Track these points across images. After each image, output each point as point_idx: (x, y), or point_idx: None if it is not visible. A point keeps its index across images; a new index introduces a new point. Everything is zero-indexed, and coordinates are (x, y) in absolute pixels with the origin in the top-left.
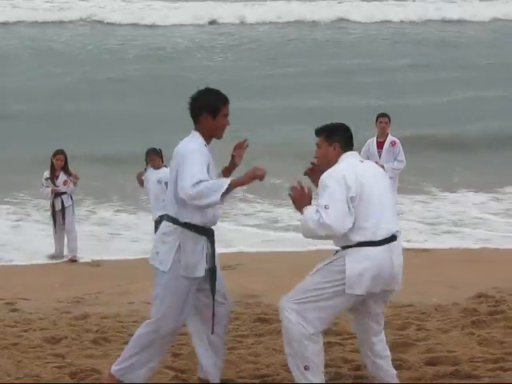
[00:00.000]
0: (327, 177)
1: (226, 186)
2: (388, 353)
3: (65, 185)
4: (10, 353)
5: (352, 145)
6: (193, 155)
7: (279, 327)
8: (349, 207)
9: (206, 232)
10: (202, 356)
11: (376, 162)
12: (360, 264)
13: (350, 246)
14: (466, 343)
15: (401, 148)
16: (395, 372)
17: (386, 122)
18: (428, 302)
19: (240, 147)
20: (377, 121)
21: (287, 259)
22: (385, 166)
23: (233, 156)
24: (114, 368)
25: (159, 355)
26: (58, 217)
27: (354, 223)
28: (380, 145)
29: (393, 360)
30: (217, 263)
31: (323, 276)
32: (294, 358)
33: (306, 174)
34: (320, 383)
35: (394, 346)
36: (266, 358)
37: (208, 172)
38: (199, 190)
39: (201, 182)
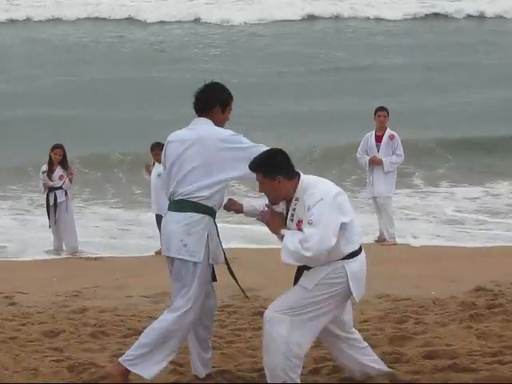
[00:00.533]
0: (321, 201)
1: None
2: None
3: (60, 179)
4: (8, 347)
5: (292, 165)
6: (239, 137)
7: None
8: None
9: (215, 218)
10: (191, 351)
11: (374, 156)
12: (358, 270)
13: (343, 258)
14: (464, 337)
15: (399, 142)
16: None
17: (385, 116)
18: (426, 295)
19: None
20: (375, 114)
21: None
22: (383, 159)
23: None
24: (123, 358)
25: (176, 350)
26: (52, 212)
27: (346, 235)
28: (379, 138)
29: (391, 353)
30: None
31: (322, 289)
32: (275, 371)
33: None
34: None
35: (392, 340)
36: None
37: None
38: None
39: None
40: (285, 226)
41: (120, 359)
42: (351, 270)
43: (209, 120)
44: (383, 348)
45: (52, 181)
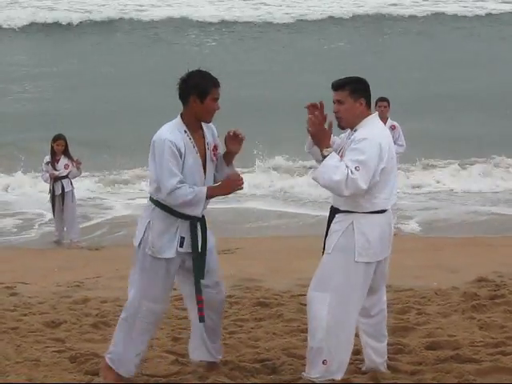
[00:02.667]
0: (364, 140)
1: (204, 200)
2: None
3: (66, 168)
4: (9, 337)
5: (370, 103)
6: (162, 152)
7: (279, 311)
8: (374, 176)
9: (187, 216)
10: (192, 333)
11: None
12: (368, 231)
13: (358, 212)
14: (467, 327)
15: (401, 132)
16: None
17: (385, 106)
18: (428, 286)
19: (232, 139)
20: (376, 105)
21: (286, 243)
22: None
23: (226, 143)
24: (107, 356)
25: (145, 341)
26: (58, 202)
27: (370, 191)
28: None
29: (393, 344)
30: (211, 250)
31: (338, 260)
32: (315, 351)
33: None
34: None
35: (394, 330)
36: (266, 343)
37: (180, 163)
38: (179, 203)
39: (176, 189)
40: (330, 144)
41: (107, 360)
42: (360, 226)
43: (177, 118)
44: None
45: (57, 170)
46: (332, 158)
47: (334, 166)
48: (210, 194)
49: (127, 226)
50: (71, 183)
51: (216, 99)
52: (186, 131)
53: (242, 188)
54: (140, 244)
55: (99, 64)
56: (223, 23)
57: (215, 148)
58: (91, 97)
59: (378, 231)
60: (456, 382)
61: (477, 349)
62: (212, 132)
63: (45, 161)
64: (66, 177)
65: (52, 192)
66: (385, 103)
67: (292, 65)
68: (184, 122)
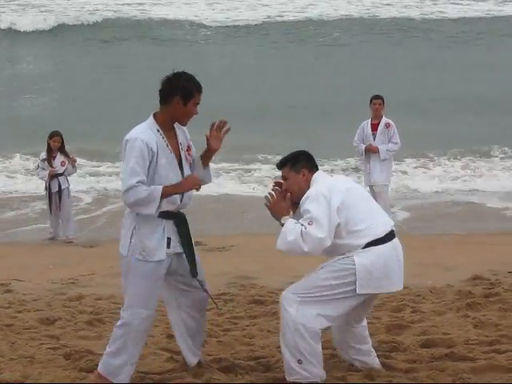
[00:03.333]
0: (307, 198)
1: (159, 198)
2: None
3: (62, 165)
4: (4, 334)
5: (316, 164)
6: (133, 147)
7: (274, 309)
8: (331, 222)
9: (170, 216)
10: (178, 341)
11: (370, 144)
12: (370, 262)
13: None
14: (461, 325)
15: (395, 130)
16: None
17: (380, 104)
18: (423, 284)
19: (216, 129)
20: (371, 103)
21: None
22: (379, 147)
23: (207, 139)
24: (101, 367)
25: (139, 349)
26: (54, 199)
27: (349, 230)
28: (374, 127)
29: (388, 342)
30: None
31: (333, 277)
32: (288, 349)
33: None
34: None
35: (389, 328)
36: (260, 340)
37: (153, 163)
38: (131, 201)
39: (133, 187)
40: (289, 213)
41: (100, 370)
42: (360, 261)
43: (150, 118)
44: (380, 337)
45: (53, 167)
46: (287, 224)
47: (288, 229)
48: (165, 192)
49: None
50: (67, 180)
51: (197, 104)
52: (158, 130)
53: (198, 189)
54: (128, 251)
55: None
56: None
57: (189, 148)
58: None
59: (382, 262)
60: (450, 380)
61: (471, 347)
62: (184, 133)
63: (40, 158)
64: (62, 174)
65: (48, 189)
66: (379, 101)
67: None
68: (157, 122)
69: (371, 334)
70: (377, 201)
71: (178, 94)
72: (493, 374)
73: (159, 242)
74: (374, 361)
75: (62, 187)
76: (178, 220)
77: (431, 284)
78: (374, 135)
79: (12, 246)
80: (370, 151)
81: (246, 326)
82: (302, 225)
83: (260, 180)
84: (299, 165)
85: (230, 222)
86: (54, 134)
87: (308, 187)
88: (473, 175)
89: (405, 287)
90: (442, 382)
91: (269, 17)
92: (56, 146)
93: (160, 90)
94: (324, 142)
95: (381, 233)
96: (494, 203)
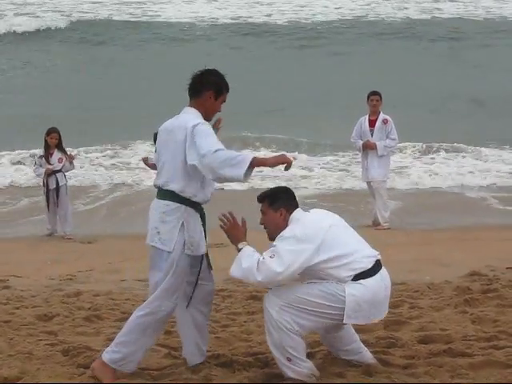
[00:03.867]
0: (279, 238)
1: (249, 161)
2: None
3: (60, 162)
4: (1, 330)
5: (296, 202)
6: (205, 126)
7: None
8: (294, 264)
9: (200, 210)
10: (185, 341)
11: (368, 140)
12: (360, 295)
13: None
14: (459, 321)
15: (393, 126)
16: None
17: (378, 100)
18: (421, 280)
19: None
20: (368, 99)
21: None
22: (377, 143)
23: None
24: (106, 356)
25: (154, 339)
26: (52, 195)
27: (336, 265)
28: (372, 123)
29: (386, 338)
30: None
31: (323, 297)
32: (276, 348)
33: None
34: (305, 371)
35: (387, 324)
36: (258, 336)
37: None
38: (222, 159)
39: (222, 149)
40: (245, 238)
41: (106, 360)
42: (350, 292)
43: (193, 109)
44: (378, 332)
45: (51, 164)
46: (244, 250)
47: (244, 256)
48: (255, 161)
49: None
50: (65, 177)
51: (224, 102)
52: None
53: (289, 166)
54: (174, 247)
55: None
56: None
57: None
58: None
59: (371, 295)
60: (448, 376)
61: (469, 343)
62: None
63: (38, 154)
64: (60, 171)
65: (46, 186)
66: (377, 97)
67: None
68: (201, 114)
69: (369, 330)
70: (374, 197)
71: (212, 89)
72: (491, 369)
73: (202, 236)
74: (366, 356)
75: (60, 184)
76: (203, 215)
77: (429, 280)
78: (372, 131)
79: (10, 242)
80: (368, 147)
81: (244, 321)
82: (262, 256)
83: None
84: (277, 203)
85: None
86: (52, 131)
87: (286, 225)
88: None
89: (403, 283)
90: (440, 377)
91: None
92: (53, 142)
93: (191, 84)
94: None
95: (368, 264)
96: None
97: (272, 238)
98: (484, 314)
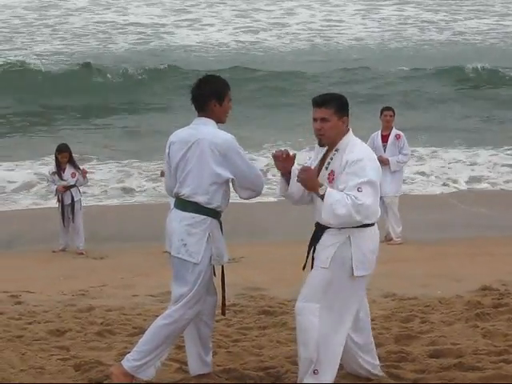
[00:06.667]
0: (361, 161)
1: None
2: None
3: (73, 177)
4: (14, 345)
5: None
6: (238, 147)
7: (283, 320)
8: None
9: (220, 219)
10: (188, 350)
11: (380, 156)
12: (364, 245)
13: (353, 227)
14: (470, 336)
15: (405, 141)
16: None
17: (391, 116)
18: (432, 294)
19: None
20: (381, 114)
21: (290, 251)
22: (390, 159)
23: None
24: (127, 364)
25: (170, 347)
26: (67, 211)
27: None
28: (384, 138)
29: (396, 352)
30: None
31: (334, 274)
32: (308, 361)
33: (298, 180)
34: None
35: (398, 339)
36: (270, 351)
37: None
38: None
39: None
40: (318, 181)
41: (127, 367)
42: (356, 240)
43: (208, 119)
44: (389, 347)
45: (64, 180)
46: (330, 196)
47: (336, 202)
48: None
49: None
50: (79, 191)
51: (230, 100)
52: None
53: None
54: (202, 258)
55: None
56: None
57: None
58: None
59: (373, 244)
60: None
61: (480, 357)
62: None
63: (50, 171)
64: (74, 185)
65: (61, 201)
66: (390, 112)
67: None
68: (215, 122)
69: (380, 345)
70: (387, 212)
71: (213, 98)
72: (501, 383)
73: (224, 245)
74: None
75: (75, 199)
76: (220, 222)
77: (440, 294)
78: (385, 147)
79: (22, 257)
80: (381, 163)
81: (256, 336)
82: (349, 195)
83: None
84: (343, 111)
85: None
86: (62, 150)
87: (341, 138)
88: None
89: (414, 298)
90: None
91: None
92: (64, 160)
93: (192, 100)
94: None
95: (377, 219)
96: None
97: (326, 144)
98: (495, 329)
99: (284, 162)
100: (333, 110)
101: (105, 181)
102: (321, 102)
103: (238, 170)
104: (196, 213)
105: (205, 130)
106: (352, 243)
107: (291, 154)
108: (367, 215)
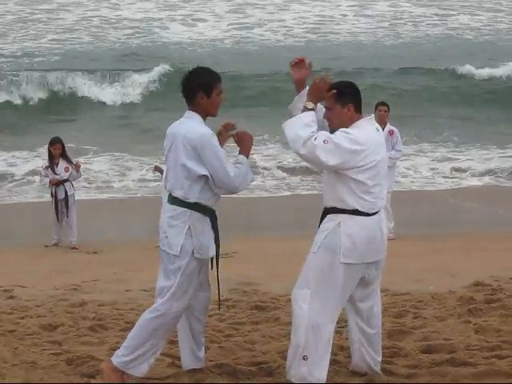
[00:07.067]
0: (344, 132)
1: (248, 163)
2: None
3: (66, 171)
4: (6, 340)
5: (361, 106)
6: (213, 143)
7: (276, 315)
8: (344, 161)
9: (210, 212)
10: (181, 344)
11: None
12: (355, 233)
13: (344, 211)
14: (463, 331)
15: (399, 137)
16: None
17: (385, 111)
18: (425, 290)
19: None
20: (376, 109)
21: (283, 246)
22: None
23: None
24: (116, 360)
25: (163, 342)
26: (61, 205)
27: (357, 190)
28: None
29: (389, 347)
30: None
31: (322, 259)
32: (296, 347)
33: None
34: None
35: (390, 334)
36: (262, 346)
37: None
38: (241, 185)
39: (235, 176)
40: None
41: (116, 363)
42: (346, 228)
43: (194, 113)
44: (382, 342)
45: (57, 174)
46: (307, 116)
47: (304, 123)
48: (246, 153)
49: None
50: (72, 186)
51: (220, 93)
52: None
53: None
54: (181, 250)
55: None
56: None
57: None
58: None
59: (365, 234)
60: None
61: (472, 352)
62: None
63: (43, 165)
64: (67, 180)
65: (55, 196)
66: (385, 107)
67: None
68: (202, 115)
69: None
70: None
71: (200, 90)
72: (494, 379)
73: (211, 239)
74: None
75: (69, 193)
76: (215, 216)
77: (433, 290)
78: None
79: (15, 252)
80: None
81: (248, 331)
82: (317, 134)
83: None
84: (346, 98)
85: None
86: (55, 141)
87: (350, 125)
88: None
89: (406, 293)
90: None
91: None
92: (57, 152)
93: (182, 91)
94: None
95: (373, 211)
96: None
97: (334, 130)
98: (487, 324)
99: (298, 67)
100: (334, 98)
101: (99, 173)
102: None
103: (210, 167)
104: (178, 205)
105: (186, 124)
106: (342, 230)
107: (307, 60)
108: (311, 161)
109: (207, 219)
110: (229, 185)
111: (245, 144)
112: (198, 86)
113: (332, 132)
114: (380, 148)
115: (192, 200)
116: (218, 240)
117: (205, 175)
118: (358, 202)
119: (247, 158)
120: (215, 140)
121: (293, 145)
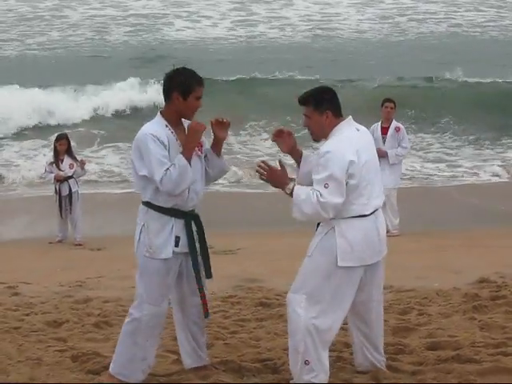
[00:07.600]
0: (327, 154)
1: (187, 165)
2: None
3: (71, 168)
4: (11, 336)
5: (340, 108)
6: (147, 144)
7: (281, 311)
8: (346, 184)
9: (180, 214)
10: (181, 343)
11: (379, 148)
12: (350, 235)
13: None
14: (468, 328)
15: (405, 134)
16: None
17: (392, 108)
18: (430, 286)
19: (218, 125)
20: (382, 106)
21: (287, 242)
22: (388, 152)
23: (214, 133)
24: (111, 367)
25: (151, 346)
26: (65, 202)
27: (349, 197)
28: (384, 130)
29: (394, 344)
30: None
31: (318, 262)
32: (295, 352)
33: (273, 140)
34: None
35: (395, 331)
36: (267, 342)
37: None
38: (170, 187)
39: (163, 176)
40: (288, 181)
41: (111, 369)
42: (341, 230)
43: (158, 117)
44: (387, 339)
45: (62, 170)
46: (297, 195)
47: (302, 201)
48: (186, 155)
49: None
50: (77, 183)
51: (199, 98)
52: (166, 125)
53: (204, 128)
54: (137, 248)
55: None
56: None
57: (199, 144)
58: None
59: (362, 235)
60: (456, 383)
61: (477, 349)
62: None
63: (48, 161)
64: (72, 177)
65: (59, 193)
66: (391, 104)
67: None
68: (164, 118)
69: None
70: (385, 204)
71: (177, 90)
72: (499, 376)
73: (166, 240)
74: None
75: (73, 190)
76: (189, 219)
77: (438, 287)
78: (384, 139)
79: (19, 248)
80: (379, 155)
81: (253, 328)
82: (315, 191)
83: None
84: (323, 106)
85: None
86: (61, 137)
87: (332, 128)
88: None
89: (411, 290)
90: None
91: None
92: (63, 148)
93: (163, 88)
94: None
95: (367, 211)
96: None
97: (316, 139)
98: (492, 321)
99: (282, 138)
100: (311, 107)
101: (104, 169)
102: (301, 100)
103: (146, 167)
104: (141, 204)
105: (146, 124)
106: (337, 233)
107: (285, 129)
108: (336, 212)
109: (170, 220)
110: (162, 188)
111: (188, 139)
112: (176, 85)
113: (314, 140)
114: (366, 146)
115: (145, 199)
116: (204, 242)
117: (145, 175)
118: (350, 208)
119: (187, 156)
120: (152, 141)
121: (320, 219)
